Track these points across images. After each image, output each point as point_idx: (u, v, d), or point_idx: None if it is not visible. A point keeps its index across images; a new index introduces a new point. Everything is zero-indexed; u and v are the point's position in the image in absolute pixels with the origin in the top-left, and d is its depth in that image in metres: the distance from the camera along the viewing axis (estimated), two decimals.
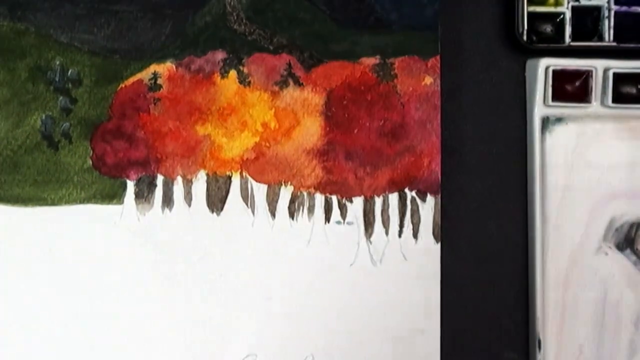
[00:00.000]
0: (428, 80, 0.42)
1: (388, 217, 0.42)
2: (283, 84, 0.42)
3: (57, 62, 0.41)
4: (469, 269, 0.44)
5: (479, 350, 0.44)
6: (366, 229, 0.42)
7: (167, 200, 0.41)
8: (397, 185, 0.42)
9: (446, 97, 0.44)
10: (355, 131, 0.42)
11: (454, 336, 0.44)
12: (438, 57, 0.42)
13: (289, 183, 0.42)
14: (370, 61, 0.42)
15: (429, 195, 0.42)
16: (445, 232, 0.43)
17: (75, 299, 0.40)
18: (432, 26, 0.42)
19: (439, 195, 0.42)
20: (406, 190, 0.42)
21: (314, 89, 0.42)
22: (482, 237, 0.44)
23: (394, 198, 0.42)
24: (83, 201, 0.41)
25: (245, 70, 0.42)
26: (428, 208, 0.42)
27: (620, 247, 0.44)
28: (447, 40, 0.44)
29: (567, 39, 0.43)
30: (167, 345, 0.41)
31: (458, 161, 0.44)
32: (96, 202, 0.41)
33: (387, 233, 0.42)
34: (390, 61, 0.42)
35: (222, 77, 0.42)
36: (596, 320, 0.44)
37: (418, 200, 0.42)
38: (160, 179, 0.41)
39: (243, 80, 0.42)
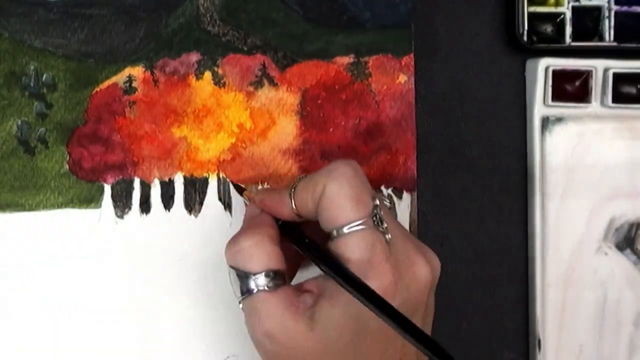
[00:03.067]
0: (402, 78, 0.42)
1: None
2: (258, 84, 0.42)
3: (32, 67, 0.41)
4: (468, 268, 0.44)
5: (479, 350, 0.44)
6: None
7: (145, 203, 0.41)
8: (373, 183, 0.42)
9: (446, 97, 0.44)
10: (331, 130, 0.42)
11: (454, 336, 0.44)
12: (412, 55, 0.42)
13: (266, 183, 0.42)
14: (344, 60, 0.42)
15: (405, 192, 0.42)
16: (445, 232, 0.44)
17: (54, 304, 0.40)
18: (405, 24, 0.42)
19: (415, 193, 0.42)
20: (382, 188, 0.42)
21: (288, 89, 0.42)
22: (482, 237, 0.44)
23: None
24: (61, 206, 0.41)
25: (220, 71, 0.42)
26: (404, 205, 0.42)
27: (620, 247, 0.44)
28: (448, 40, 0.44)
29: (568, 39, 0.43)
30: (147, 348, 0.41)
31: (458, 161, 0.44)
32: (74, 207, 0.41)
33: None
34: (364, 60, 0.42)
35: (197, 78, 0.42)
36: (596, 320, 0.44)
37: (394, 198, 0.42)
38: (137, 182, 0.41)
39: (218, 81, 0.42)
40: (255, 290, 0.34)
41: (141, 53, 0.41)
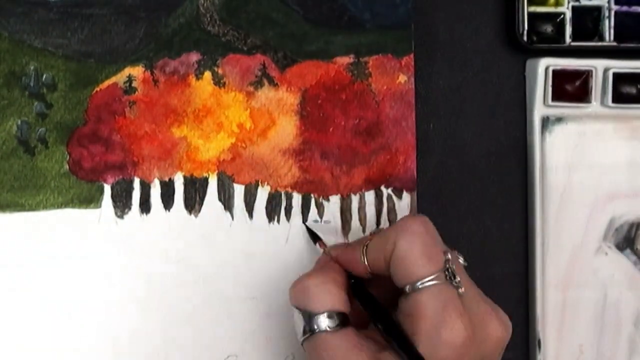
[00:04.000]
0: (402, 78, 0.42)
1: (365, 214, 0.42)
2: (258, 84, 0.42)
3: (32, 67, 0.41)
4: (469, 268, 0.44)
5: None
6: (343, 227, 0.42)
7: (145, 203, 0.41)
8: (373, 183, 0.42)
9: (446, 97, 0.44)
10: (331, 130, 0.42)
11: None
12: (412, 56, 0.42)
13: (266, 183, 0.42)
14: (344, 60, 0.42)
15: (404, 192, 0.42)
16: (445, 232, 0.43)
17: (54, 304, 0.40)
18: (405, 24, 0.42)
19: (415, 193, 0.42)
20: (382, 187, 0.42)
21: (288, 89, 0.42)
22: (482, 237, 0.44)
23: (370, 196, 0.42)
24: (61, 206, 0.41)
25: (220, 71, 0.42)
26: (404, 205, 0.42)
27: (620, 247, 0.44)
28: (448, 40, 0.44)
29: (568, 39, 0.43)
30: (148, 348, 0.41)
31: (458, 161, 0.44)
32: (74, 207, 0.41)
33: (364, 231, 0.42)
34: (364, 60, 0.42)
35: (197, 78, 0.42)
36: (596, 320, 0.44)
37: (394, 198, 0.42)
38: (137, 182, 0.41)
39: (218, 81, 0.42)
40: (317, 331, 0.34)
41: (141, 53, 0.41)
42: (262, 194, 0.42)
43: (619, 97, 0.44)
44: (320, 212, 0.42)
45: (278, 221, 0.42)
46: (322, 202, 0.42)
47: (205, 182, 0.42)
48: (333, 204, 0.42)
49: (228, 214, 0.42)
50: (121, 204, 0.41)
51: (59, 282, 0.40)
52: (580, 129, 0.44)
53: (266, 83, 0.42)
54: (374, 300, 0.36)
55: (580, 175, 0.44)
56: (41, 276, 0.40)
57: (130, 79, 0.41)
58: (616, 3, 0.44)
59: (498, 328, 0.34)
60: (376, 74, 0.42)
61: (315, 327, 0.34)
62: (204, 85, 0.42)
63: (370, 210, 0.42)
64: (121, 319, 0.41)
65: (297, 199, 0.42)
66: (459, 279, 0.34)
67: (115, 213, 0.41)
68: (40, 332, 0.40)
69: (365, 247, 0.36)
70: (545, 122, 0.44)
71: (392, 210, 0.42)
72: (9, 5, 0.40)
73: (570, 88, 0.44)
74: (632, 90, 0.44)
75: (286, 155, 0.42)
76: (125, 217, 0.41)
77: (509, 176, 0.45)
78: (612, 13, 0.44)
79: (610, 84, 0.43)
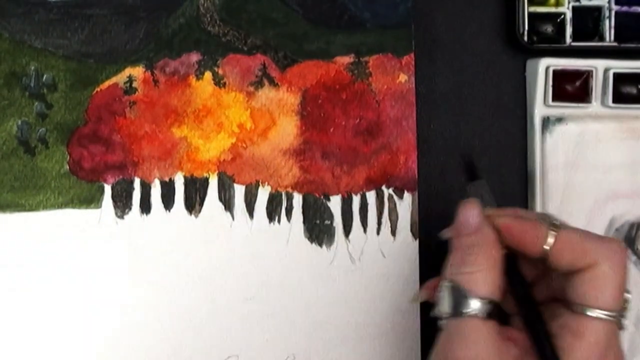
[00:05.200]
0: (403, 77, 0.42)
1: (366, 215, 0.42)
2: (258, 84, 0.42)
3: (32, 68, 0.41)
4: None
5: None
6: (344, 227, 0.42)
7: (145, 203, 0.41)
8: (374, 183, 0.42)
9: (446, 97, 0.44)
10: (331, 130, 0.42)
11: None
12: (412, 55, 0.42)
13: (267, 183, 0.42)
14: (345, 60, 0.42)
15: (406, 192, 0.42)
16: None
17: (54, 304, 0.40)
18: (405, 24, 0.42)
19: (416, 192, 0.42)
20: (383, 187, 0.42)
21: (289, 89, 0.42)
22: None
23: (371, 196, 0.42)
24: (61, 206, 0.41)
25: (220, 71, 0.42)
26: (405, 205, 0.42)
27: None
28: (448, 40, 0.44)
29: (568, 39, 0.43)
30: (148, 348, 0.41)
31: (458, 161, 0.44)
32: (74, 207, 0.41)
33: (365, 231, 0.42)
34: (365, 59, 0.42)
35: (197, 79, 0.42)
36: None
37: (395, 198, 0.42)
38: (137, 182, 0.41)
39: (218, 81, 0.42)
40: (468, 313, 0.32)
41: (141, 53, 0.41)
42: (263, 194, 0.42)
43: (619, 97, 0.44)
44: (321, 213, 0.42)
45: (279, 221, 0.42)
46: (323, 202, 0.42)
47: (205, 182, 0.42)
48: (334, 204, 0.42)
49: (228, 214, 0.42)
50: (121, 204, 0.41)
51: (59, 282, 0.40)
52: (580, 129, 0.43)
53: (266, 83, 0.42)
54: (528, 292, 0.34)
55: (580, 175, 0.44)
56: (41, 276, 0.40)
57: (130, 79, 0.41)
58: (616, 3, 0.44)
59: None
60: (376, 73, 0.42)
61: (467, 309, 0.32)
62: (204, 85, 0.42)
63: (372, 210, 0.42)
64: (121, 319, 0.41)
65: (297, 199, 0.42)
66: (627, 322, 0.33)
67: (116, 213, 0.41)
68: (40, 332, 0.40)
69: (554, 231, 0.33)
70: (546, 122, 0.43)
71: (393, 211, 0.42)
72: (9, 6, 0.41)
73: (571, 88, 0.44)
74: (632, 90, 0.44)
75: (287, 155, 0.42)
76: (126, 217, 0.41)
77: (509, 176, 0.45)
78: (613, 13, 0.44)
79: (610, 84, 0.43)
